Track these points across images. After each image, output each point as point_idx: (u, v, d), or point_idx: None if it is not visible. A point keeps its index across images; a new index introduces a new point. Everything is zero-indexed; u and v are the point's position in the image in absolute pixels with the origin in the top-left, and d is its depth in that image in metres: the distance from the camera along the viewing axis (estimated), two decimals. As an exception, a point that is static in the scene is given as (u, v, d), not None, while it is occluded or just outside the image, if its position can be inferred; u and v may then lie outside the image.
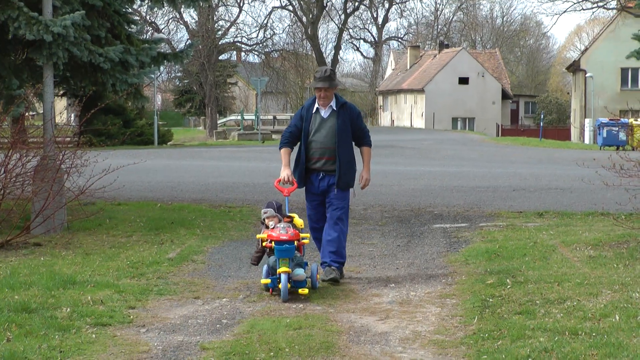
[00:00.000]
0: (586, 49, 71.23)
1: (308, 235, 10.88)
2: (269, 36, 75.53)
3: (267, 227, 10.57)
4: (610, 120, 46.65)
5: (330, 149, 11.10)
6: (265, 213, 10.72)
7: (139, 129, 51.86)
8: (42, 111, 16.26)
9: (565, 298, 9.71)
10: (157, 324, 9.15)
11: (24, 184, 14.07)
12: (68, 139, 17.76)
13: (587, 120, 59.87)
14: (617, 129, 46.01)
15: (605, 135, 46.48)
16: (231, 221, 16.46)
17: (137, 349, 8.21)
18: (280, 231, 10.26)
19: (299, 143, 11.32)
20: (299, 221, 10.68)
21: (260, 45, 74.11)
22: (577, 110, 70.10)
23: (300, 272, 10.21)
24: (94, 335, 8.54)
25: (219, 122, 77.63)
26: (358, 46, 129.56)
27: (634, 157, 13.16)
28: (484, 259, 12.43)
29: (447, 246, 13.98)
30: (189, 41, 59.23)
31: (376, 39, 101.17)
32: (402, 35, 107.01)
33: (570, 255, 12.46)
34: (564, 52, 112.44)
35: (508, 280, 10.74)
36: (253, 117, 71.69)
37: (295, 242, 10.31)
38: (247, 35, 79.16)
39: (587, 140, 58.09)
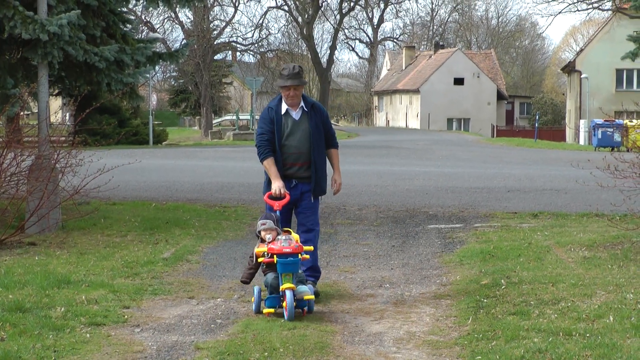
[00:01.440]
0: (581, 50, 71.27)
1: (311, 248, 9.88)
2: (264, 36, 75.70)
3: (262, 240, 9.53)
4: (605, 121, 46.70)
5: (305, 153, 10.29)
6: (263, 225, 9.59)
7: (134, 129, 51.88)
8: (36, 110, 16.27)
9: (560, 299, 9.74)
10: (152, 323, 9.17)
11: (19, 183, 14.08)
12: (63, 138, 17.80)
13: (582, 122, 59.94)
14: (612, 130, 46.01)
15: (600, 136, 46.54)
16: (226, 221, 16.47)
17: (131, 348, 8.23)
18: (283, 243, 9.32)
19: None
20: (295, 236, 9.73)
21: (256, 45, 74.17)
22: (572, 111, 70.17)
23: (305, 289, 9.23)
24: (88, 335, 8.55)
25: (214, 122, 77.64)
26: (353, 46, 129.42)
27: (629, 158, 13.19)
28: (478, 260, 12.45)
29: (442, 247, 14.00)
30: (184, 41, 59.19)
31: (371, 39, 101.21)
32: (397, 36, 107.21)
33: (565, 256, 12.48)
34: (559, 53, 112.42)
35: (502, 280, 10.76)
36: (248, 117, 71.65)
37: (299, 254, 9.41)
38: (243, 35, 79.26)
39: (582, 141, 58.17)
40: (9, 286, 10.37)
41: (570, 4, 60.14)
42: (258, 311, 9.39)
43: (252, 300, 9.54)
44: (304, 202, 10.39)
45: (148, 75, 31.81)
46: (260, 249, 9.44)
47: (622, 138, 44.47)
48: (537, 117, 68.30)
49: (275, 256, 9.29)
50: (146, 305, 9.93)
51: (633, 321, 8.62)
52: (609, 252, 12.67)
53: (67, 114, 51.54)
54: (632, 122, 45.67)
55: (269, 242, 9.41)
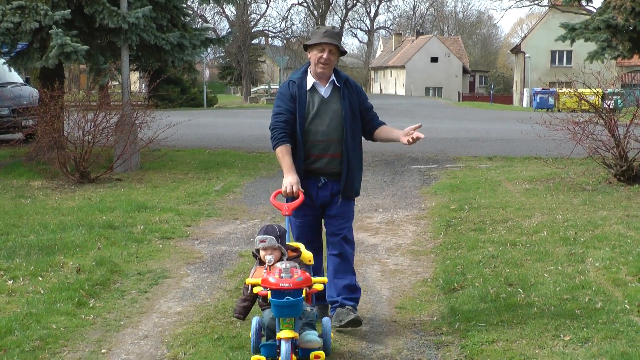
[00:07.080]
0: (525, 36, 70.41)
1: (325, 279, 5.16)
2: (289, 26, 75.31)
3: (261, 262, 5.18)
4: (542, 89, 46.40)
5: (335, 141, 5.91)
6: (262, 242, 5.17)
7: (192, 95, 51.67)
8: (121, 81, 16.23)
9: (508, 219, 9.76)
10: (207, 238, 9.23)
11: (108, 135, 14.12)
12: (140, 102, 17.78)
13: (525, 90, 59.44)
14: (547, 95, 45.75)
15: (538, 100, 46.23)
16: (261, 163, 16.48)
17: (192, 255, 8.31)
18: (282, 274, 4.82)
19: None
20: (307, 255, 5.41)
21: (282, 32, 73.52)
22: (518, 82, 69.54)
23: (312, 338, 4.98)
24: (160, 246, 8.62)
25: (251, 90, 77.22)
26: (355, 34, 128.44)
27: (560, 117, 13.15)
28: (448, 191, 12.46)
29: (421, 182, 14.00)
30: (229, 29, 58.85)
31: (369, 28, 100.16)
32: (388, 25, 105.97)
33: (512, 188, 12.48)
34: (509, 38, 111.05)
35: (466, 206, 10.79)
36: (277, 86, 71.37)
37: (305, 290, 4.91)
38: (273, 25, 78.72)
39: (525, 104, 57.74)
40: (102, 210, 10.46)
41: (517, 1, 59.50)
42: (256, 351, 5.09)
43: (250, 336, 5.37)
44: (333, 206, 5.97)
45: (202, 55, 31.61)
46: (253, 279, 5.04)
47: (554, 101, 44.18)
48: (492, 86, 67.85)
49: (269, 291, 4.88)
50: (203, 224, 10.00)
51: (561, 235, 8.65)
52: (544, 185, 12.67)
53: (143, 84, 51.39)
54: (562, 90, 45.33)
55: (267, 270, 5.04)
